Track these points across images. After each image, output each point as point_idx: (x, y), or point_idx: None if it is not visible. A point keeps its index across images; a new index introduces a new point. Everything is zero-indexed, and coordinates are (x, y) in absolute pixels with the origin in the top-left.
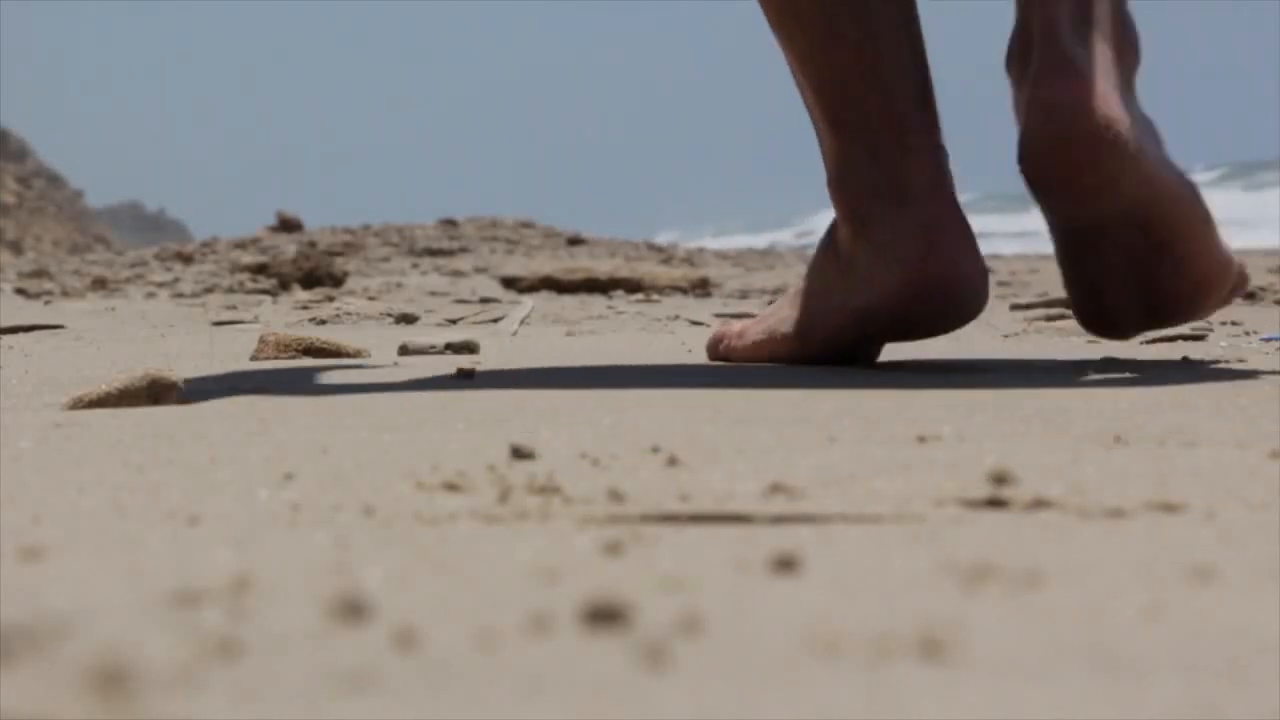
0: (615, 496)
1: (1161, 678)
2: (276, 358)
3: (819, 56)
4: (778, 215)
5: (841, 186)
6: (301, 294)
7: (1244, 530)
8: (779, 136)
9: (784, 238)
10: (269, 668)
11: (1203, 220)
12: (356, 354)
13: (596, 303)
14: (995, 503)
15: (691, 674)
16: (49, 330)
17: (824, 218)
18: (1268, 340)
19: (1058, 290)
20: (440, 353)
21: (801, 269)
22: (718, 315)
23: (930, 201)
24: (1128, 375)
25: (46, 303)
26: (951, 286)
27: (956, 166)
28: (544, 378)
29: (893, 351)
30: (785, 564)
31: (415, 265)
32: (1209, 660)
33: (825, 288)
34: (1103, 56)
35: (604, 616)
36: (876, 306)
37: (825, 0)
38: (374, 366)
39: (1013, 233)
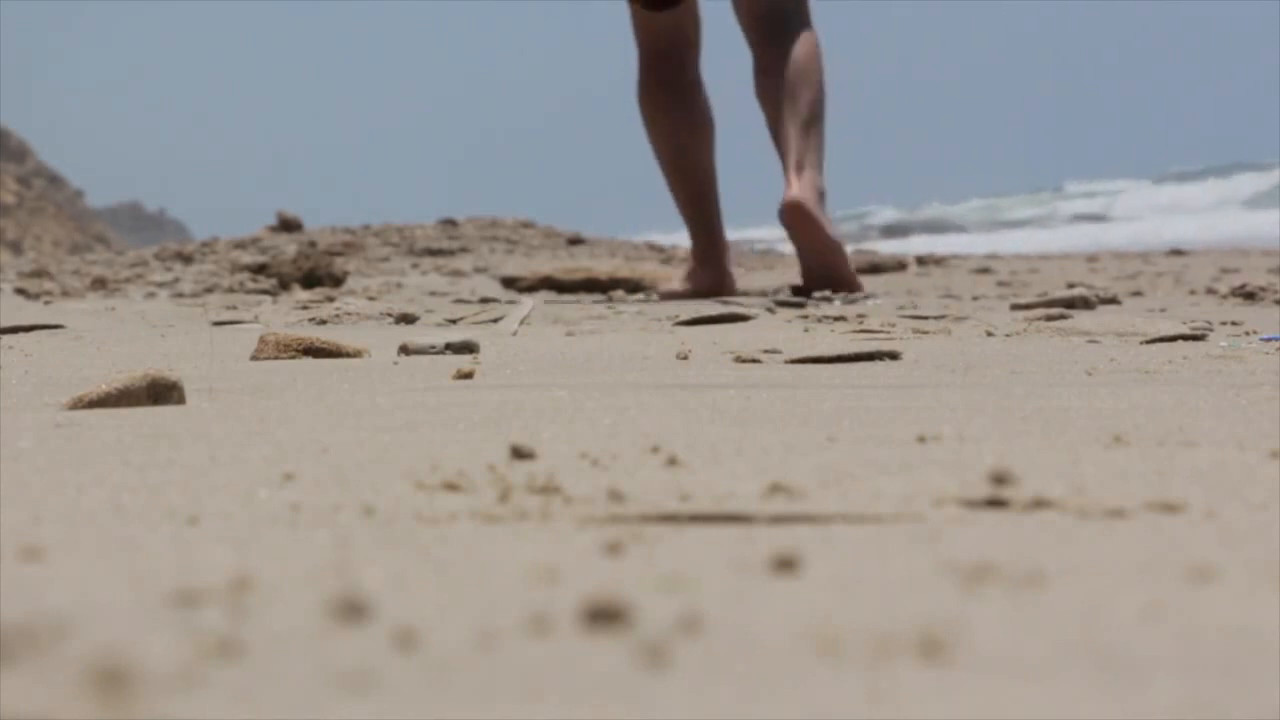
0: (615, 496)
1: (1161, 678)
2: (276, 358)
3: (676, 180)
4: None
5: (694, 243)
6: (301, 294)
7: (1244, 530)
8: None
9: (783, 237)
10: (269, 668)
11: (842, 252)
12: (356, 354)
13: (596, 303)
14: (995, 503)
15: (691, 674)
16: (49, 330)
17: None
18: (1268, 340)
19: (1058, 290)
20: (440, 353)
21: (800, 269)
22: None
23: (720, 254)
24: (1128, 375)
25: (46, 303)
26: (724, 286)
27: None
28: (544, 377)
29: (903, 351)
30: (785, 564)
31: (415, 265)
32: (1209, 660)
33: (688, 276)
34: (819, 197)
35: (604, 616)
36: (701, 288)
37: (675, 161)
38: (374, 366)
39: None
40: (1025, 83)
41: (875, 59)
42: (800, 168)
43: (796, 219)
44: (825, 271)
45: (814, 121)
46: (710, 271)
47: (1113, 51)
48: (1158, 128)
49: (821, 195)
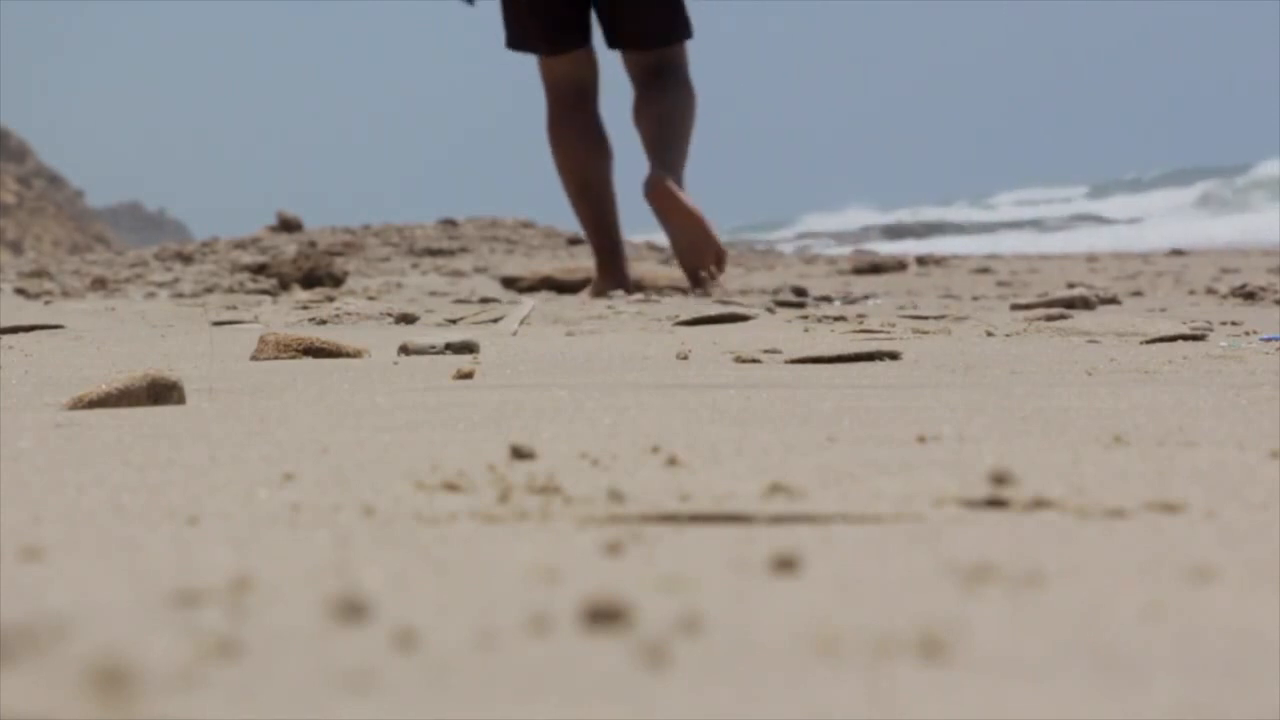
0: (615, 496)
1: (1161, 678)
2: (276, 358)
3: (582, 200)
4: (777, 216)
5: (599, 253)
6: (301, 294)
7: (1244, 530)
8: (779, 139)
9: (784, 237)
10: (269, 668)
11: (703, 220)
12: (356, 354)
13: (596, 303)
14: (995, 503)
15: (691, 674)
16: (49, 330)
17: (821, 219)
18: (1268, 340)
19: (1058, 290)
20: (440, 353)
21: (800, 269)
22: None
23: (621, 259)
24: (1128, 375)
25: (46, 303)
26: (626, 286)
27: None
28: (544, 377)
29: (903, 351)
30: (785, 564)
31: (415, 265)
32: (1209, 660)
33: (600, 279)
34: (677, 180)
35: (604, 616)
36: (610, 288)
37: (580, 186)
38: (374, 366)
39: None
40: (972, 91)
41: (838, 63)
42: (663, 162)
43: (656, 192)
44: (692, 238)
45: (681, 138)
46: (614, 274)
47: (1061, 60)
48: (1100, 136)
49: (679, 182)
